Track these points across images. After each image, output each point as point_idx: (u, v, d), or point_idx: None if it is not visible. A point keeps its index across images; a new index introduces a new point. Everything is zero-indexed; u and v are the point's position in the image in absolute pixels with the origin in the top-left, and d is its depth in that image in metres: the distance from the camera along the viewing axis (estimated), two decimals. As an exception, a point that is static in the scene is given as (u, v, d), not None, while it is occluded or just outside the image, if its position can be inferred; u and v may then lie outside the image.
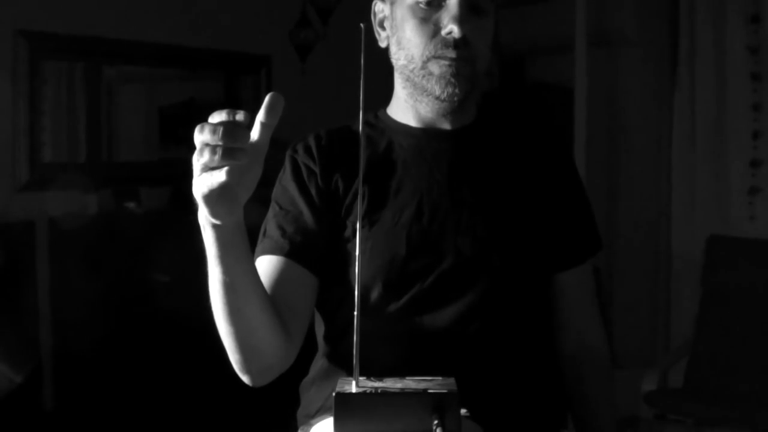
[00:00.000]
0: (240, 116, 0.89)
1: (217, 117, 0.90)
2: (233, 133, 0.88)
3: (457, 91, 1.20)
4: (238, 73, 4.08)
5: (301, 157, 1.27)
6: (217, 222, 0.96)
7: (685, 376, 3.23)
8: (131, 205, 3.36)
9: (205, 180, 0.90)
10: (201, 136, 0.89)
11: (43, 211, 3.25)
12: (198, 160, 0.89)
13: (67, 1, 3.39)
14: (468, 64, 1.20)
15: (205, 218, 0.97)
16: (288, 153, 1.30)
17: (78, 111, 3.51)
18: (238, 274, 1.03)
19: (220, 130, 0.87)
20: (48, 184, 3.31)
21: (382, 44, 1.28)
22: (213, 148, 0.88)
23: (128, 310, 3.21)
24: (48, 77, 3.38)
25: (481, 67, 1.22)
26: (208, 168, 0.90)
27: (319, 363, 1.30)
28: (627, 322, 3.64)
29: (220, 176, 0.89)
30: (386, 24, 1.27)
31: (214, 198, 0.92)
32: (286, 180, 1.27)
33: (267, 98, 0.92)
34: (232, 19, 3.92)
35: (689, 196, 3.52)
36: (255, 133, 0.94)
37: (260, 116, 0.93)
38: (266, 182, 1.32)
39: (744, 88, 3.39)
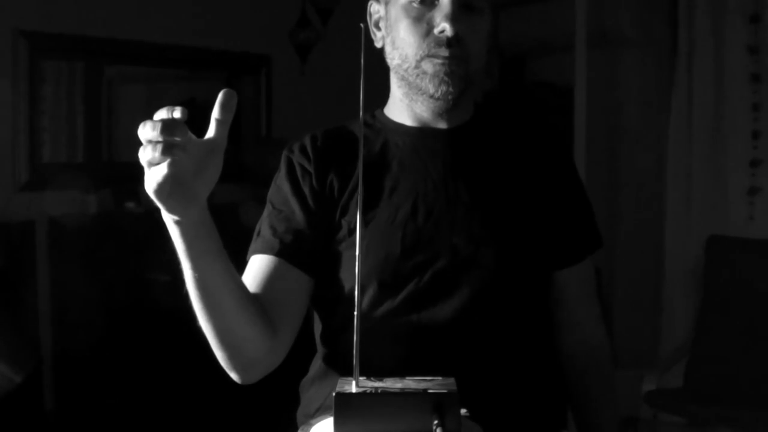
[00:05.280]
0: (177, 113, 0.91)
1: (158, 114, 0.92)
2: (171, 128, 0.90)
3: (451, 89, 1.21)
4: (238, 73, 4.08)
5: (297, 157, 1.27)
6: (176, 217, 0.98)
7: (685, 376, 3.23)
8: (131, 205, 3.37)
9: (151, 175, 0.93)
10: (143, 133, 0.91)
11: (43, 211, 3.25)
12: (143, 158, 0.92)
13: (67, 1, 3.39)
14: (461, 63, 1.20)
15: (165, 214, 0.99)
16: (284, 153, 1.30)
17: (78, 111, 3.51)
18: (207, 269, 1.04)
19: (159, 126, 0.90)
20: (48, 184, 3.31)
21: (378, 44, 1.29)
22: (154, 144, 0.91)
23: (128, 310, 3.21)
24: (48, 77, 3.38)
25: (475, 65, 1.22)
26: (153, 164, 0.92)
27: (318, 363, 1.30)
28: (627, 322, 3.64)
29: (163, 170, 0.92)
30: (381, 24, 1.28)
31: (164, 193, 0.93)
32: (280, 180, 1.27)
33: (220, 95, 0.95)
34: (232, 19, 3.93)
35: (688, 197, 3.52)
36: (211, 130, 0.96)
37: (215, 113, 0.95)
38: (266, 182, 1.33)
39: (743, 88, 3.39)
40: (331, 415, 0.88)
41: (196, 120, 0.97)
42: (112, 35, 3.50)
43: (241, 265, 1.19)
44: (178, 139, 0.91)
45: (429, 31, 1.20)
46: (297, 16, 3.90)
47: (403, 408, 0.86)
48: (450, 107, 1.24)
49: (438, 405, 0.86)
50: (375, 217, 1.21)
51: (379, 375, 0.93)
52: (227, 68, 4.04)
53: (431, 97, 1.22)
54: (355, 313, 0.93)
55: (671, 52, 3.59)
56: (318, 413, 1.23)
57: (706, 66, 3.44)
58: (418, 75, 1.21)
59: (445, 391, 0.87)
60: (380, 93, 1.32)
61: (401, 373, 0.93)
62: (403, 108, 1.28)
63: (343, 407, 0.87)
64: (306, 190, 1.24)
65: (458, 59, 1.19)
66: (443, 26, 1.18)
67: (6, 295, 3.01)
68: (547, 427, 1.27)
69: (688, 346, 3.29)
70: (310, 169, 1.25)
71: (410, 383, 0.90)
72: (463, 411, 0.90)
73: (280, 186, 1.27)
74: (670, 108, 3.55)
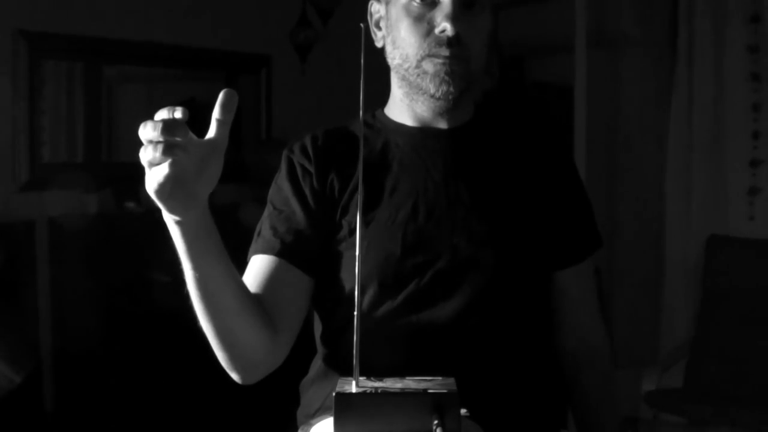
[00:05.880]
0: (178, 113, 0.91)
1: (159, 114, 0.92)
2: (171, 129, 0.90)
3: (451, 89, 1.21)
4: (238, 73, 4.08)
5: (297, 157, 1.27)
6: (177, 218, 0.99)
7: (685, 376, 3.23)
8: (131, 205, 3.36)
9: (152, 175, 0.93)
10: (144, 133, 0.91)
11: (43, 211, 3.25)
12: (144, 158, 0.92)
13: (67, 1, 3.39)
14: (462, 62, 1.20)
15: (166, 215, 0.99)
16: (284, 153, 1.30)
17: (78, 111, 3.51)
18: (207, 269, 1.04)
19: (159, 126, 0.90)
20: (48, 184, 3.31)
21: (379, 44, 1.29)
22: (155, 145, 0.91)
23: (128, 310, 3.21)
24: (48, 77, 3.38)
25: (476, 65, 1.22)
26: (154, 164, 0.92)
27: (318, 363, 1.30)
28: (627, 322, 3.64)
29: (164, 170, 0.92)
30: (382, 24, 1.28)
31: (165, 193, 0.94)
32: (281, 180, 1.27)
33: (220, 95, 0.95)
34: (232, 19, 3.92)
35: (688, 196, 3.52)
36: (212, 131, 0.96)
37: (215, 113, 0.95)
38: (267, 183, 1.33)
39: (744, 88, 3.39)
40: (331, 415, 0.88)
41: (197, 120, 0.97)
42: (112, 35, 3.50)
43: (241, 265, 1.19)
44: (178, 139, 0.91)
45: (430, 31, 1.20)
46: (297, 16, 3.90)
47: (403, 408, 0.86)
48: (451, 107, 1.24)
49: (438, 405, 0.86)
50: (375, 217, 1.21)
51: (379, 375, 0.93)
52: (227, 68, 4.04)
53: (432, 96, 1.22)
54: (356, 313, 0.93)
55: (671, 52, 3.59)
56: (318, 413, 1.23)
57: (706, 66, 3.44)
58: (418, 75, 1.21)
59: (445, 391, 0.87)
60: (380, 93, 1.32)
61: (401, 373, 0.93)
62: (403, 108, 1.29)
63: (343, 407, 0.87)
64: (306, 190, 1.24)
65: (459, 59, 1.20)
66: (444, 26, 1.18)
67: (6, 295, 3.01)
68: (547, 427, 1.27)
69: (688, 346, 3.29)
70: (311, 169, 1.25)
71: (410, 383, 0.90)
72: (463, 411, 0.90)
73: (281, 186, 1.27)
74: (670, 108, 3.55)
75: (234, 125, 0.97)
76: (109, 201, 3.39)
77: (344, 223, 1.22)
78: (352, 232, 1.21)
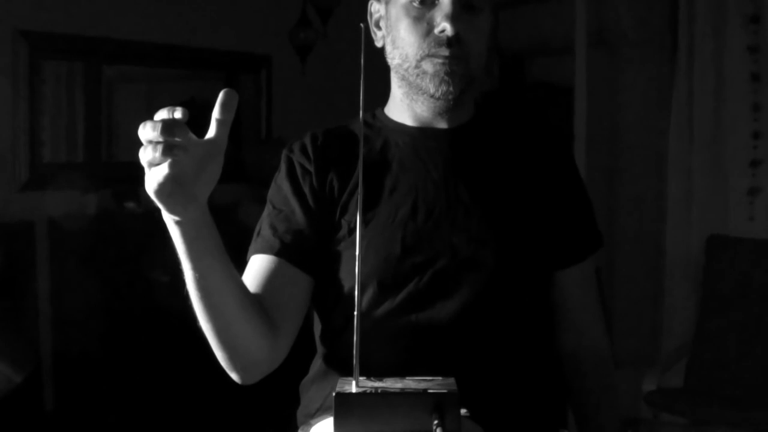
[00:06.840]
0: (178, 113, 0.91)
1: (159, 114, 0.92)
2: (171, 129, 0.90)
3: (451, 89, 1.21)
4: (238, 73, 4.08)
5: (297, 157, 1.27)
6: (177, 218, 0.99)
7: (685, 376, 3.23)
8: (131, 205, 3.37)
9: (152, 176, 0.93)
10: (144, 133, 0.91)
11: (43, 211, 3.25)
12: (143, 158, 0.92)
13: (67, 1, 3.39)
14: (462, 62, 1.20)
15: (165, 215, 0.99)
16: (284, 152, 1.30)
17: (78, 111, 3.52)
18: (207, 269, 1.04)
19: (159, 126, 0.90)
20: (48, 184, 3.31)
21: (378, 44, 1.29)
22: (155, 145, 0.91)
23: (128, 310, 3.22)
24: (48, 77, 3.38)
25: (475, 65, 1.22)
26: (154, 164, 0.92)
27: (318, 363, 1.30)
28: (627, 322, 3.64)
29: (163, 170, 0.92)
30: (382, 24, 1.28)
31: (165, 193, 0.94)
32: (280, 179, 1.28)
33: (220, 95, 0.95)
34: (232, 19, 3.93)
35: (688, 196, 3.52)
36: (212, 130, 0.96)
37: (215, 113, 0.96)
38: (266, 182, 1.33)
39: (744, 88, 3.39)
40: (331, 415, 0.88)
41: (197, 120, 0.97)
42: (112, 35, 3.51)
43: (241, 265, 1.19)
44: (178, 139, 0.91)
45: (429, 31, 1.20)
46: (297, 16, 3.90)
47: (403, 408, 0.86)
48: (450, 107, 1.24)
49: (438, 405, 0.86)
50: (375, 216, 1.21)
51: (379, 375, 0.93)
52: (227, 68, 4.04)
53: (432, 96, 1.22)
54: (355, 313, 0.92)
55: (671, 52, 3.59)
56: (318, 413, 1.23)
57: (706, 66, 3.44)
58: (418, 74, 1.21)
59: (445, 391, 0.87)
60: (380, 93, 1.32)
61: (401, 373, 0.93)
62: (403, 108, 1.29)
63: (343, 407, 0.87)
64: (306, 189, 1.24)
65: (458, 59, 1.20)
66: (443, 26, 1.18)
67: (6, 295, 3.01)
68: (547, 426, 1.27)
69: (689, 346, 3.29)
70: (311, 168, 1.26)
71: (410, 383, 0.90)
72: (463, 411, 0.90)
73: (281, 185, 1.27)
74: (670, 108, 3.55)
75: (234, 125, 0.97)
76: (109, 201, 3.40)
77: (344, 222, 1.22)
78: (352, 231, 1.21)
